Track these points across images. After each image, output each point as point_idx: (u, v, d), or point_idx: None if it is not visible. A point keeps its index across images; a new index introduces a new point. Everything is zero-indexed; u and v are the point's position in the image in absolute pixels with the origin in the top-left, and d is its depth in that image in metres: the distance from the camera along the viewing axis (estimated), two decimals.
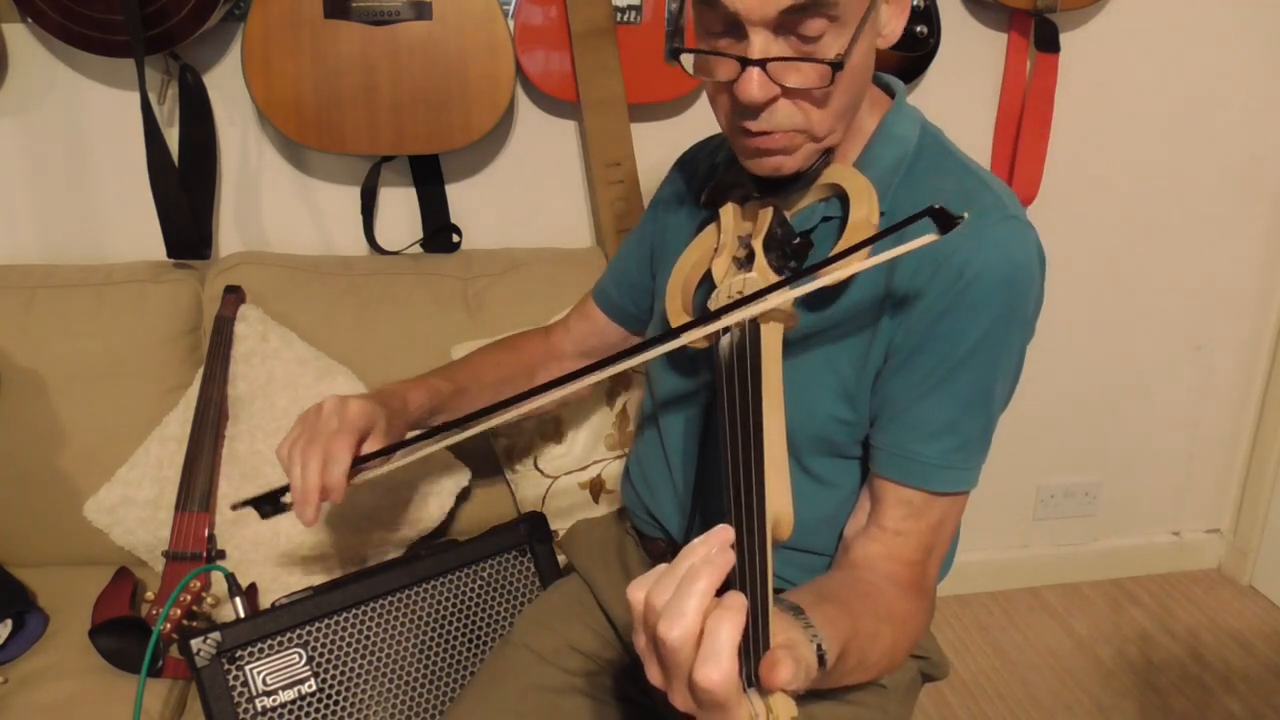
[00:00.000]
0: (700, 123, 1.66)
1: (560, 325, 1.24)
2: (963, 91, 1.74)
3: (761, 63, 0.76)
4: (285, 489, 0.97)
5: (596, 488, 1.41)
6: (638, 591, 0.59)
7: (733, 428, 0.71)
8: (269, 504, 1.00)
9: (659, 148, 1.62)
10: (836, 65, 0.77)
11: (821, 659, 0.64)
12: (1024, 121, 1.72)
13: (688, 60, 0.82)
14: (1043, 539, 2.16)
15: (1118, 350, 2.02)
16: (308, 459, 0.90)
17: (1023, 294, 0.83)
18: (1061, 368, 2.00)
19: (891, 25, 0.83)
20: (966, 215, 0.73)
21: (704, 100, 1.65)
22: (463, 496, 1.42)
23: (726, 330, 0.78)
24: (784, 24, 0.75)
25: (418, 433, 0.99)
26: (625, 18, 1.49)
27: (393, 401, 1.00)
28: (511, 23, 1.49)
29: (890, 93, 0.93)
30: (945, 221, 0.73)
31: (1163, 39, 1.78)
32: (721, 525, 0.60)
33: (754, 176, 0.87)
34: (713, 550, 0.58)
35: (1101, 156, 1.85)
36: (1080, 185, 1.86)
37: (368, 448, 0.94)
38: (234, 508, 1.01)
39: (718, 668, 0.54)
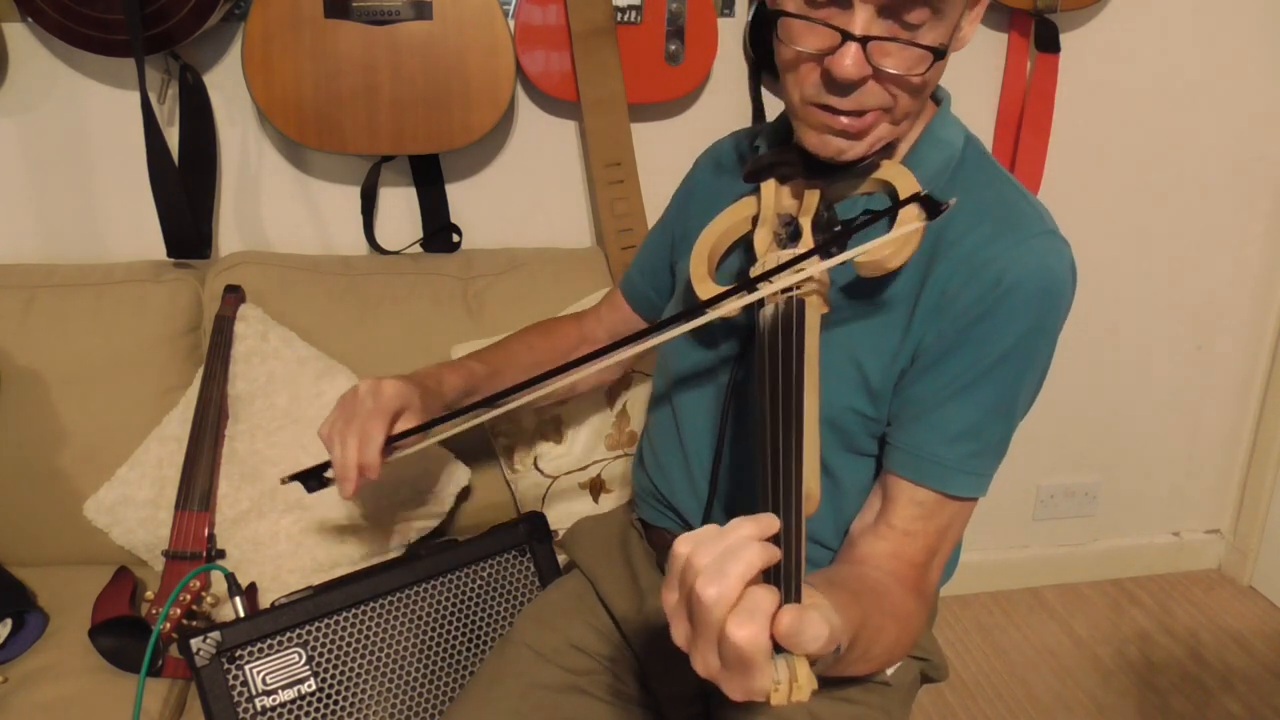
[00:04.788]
0: (700, 123, 1.66)
1: (593, 313, 1.26)
2: (963, 91, 1.73)
3: (865, 39, 0.76)
4: (326, 466, 1.02)
5: (596, 488, 1.41)
6: (684, 545, 0.59)
7: (773, 401, 0.71)
8: (314, 479, 1.04)
9: (659, 148, 1.62)
10: (939, 53, 0.78)
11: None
12: (1024, 122, 1.72)
13: (781, 25, 0.81)
14: (1043, 539, 2.16)
15: (1118, 350, 2.02)
16: (345, 438, 0.95)
17: (1055, 307, 0.84)
18: (1061, 368, 1.98)
19: (965, 31, 0.83)
20: (954, 200, 0.76)
21: (704, 100, 1.65)
22: (463, 496, 1.42)
23: (763, 304, 0.79)
24: (891, 7, 0.76)
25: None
26: (625, 18, 1.49)
27: (427, 381, 1.04)
28: (511, 23, 1.49)
29: (936, 100, 0.94)
30: (931, 207, 0.76)
31: (1163, 39, 1.78)
32: (769, 514, 0.60)
33: (805, 157, 0.87)
34: (763, 533, 0.58)
35: (1101, 157, 1.85)
36: (1080, 186, 1.86)
37: (403, 426, 0.98)
38: (283, 481, 1.05)
39: (752, 623, 0.54)
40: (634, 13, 1.50)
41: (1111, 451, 2.11)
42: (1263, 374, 2.11)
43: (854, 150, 0.83)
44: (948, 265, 0.84)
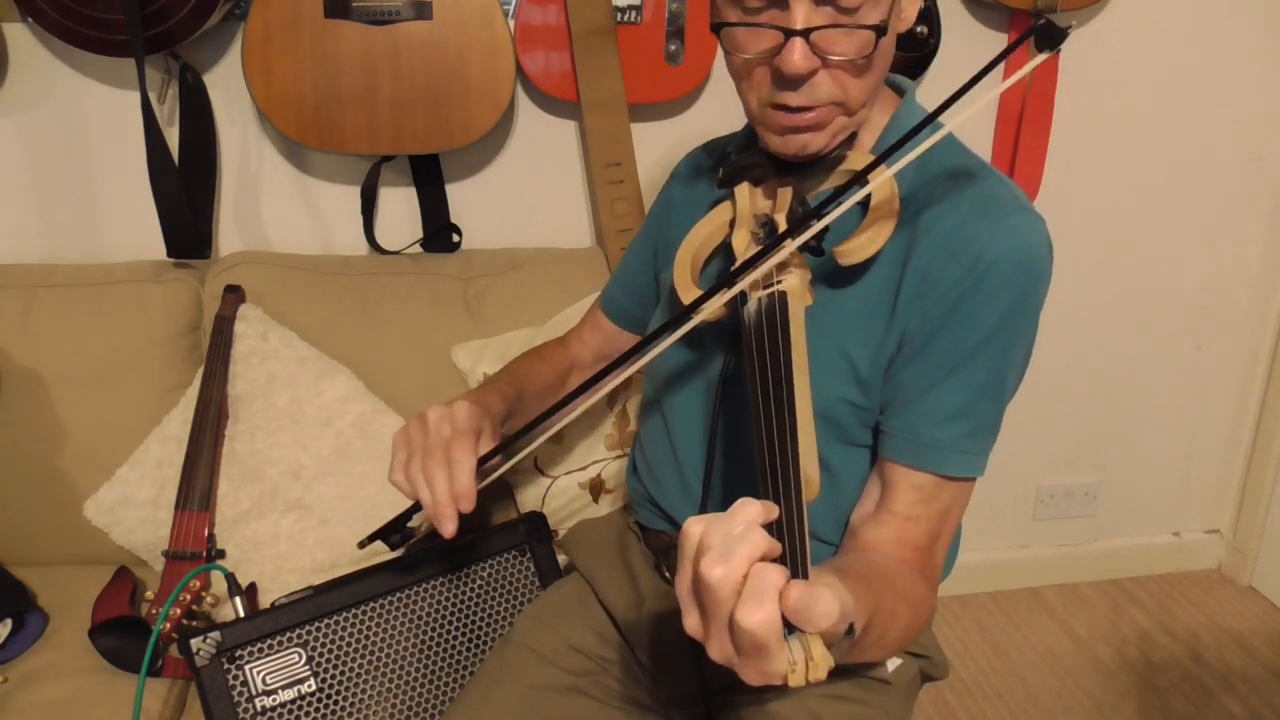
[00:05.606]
0: (700, 123, 1.66)
1: (575, 336, 1.25)
2: None
3: (806, 32, 0.78)
4: (409, 514, 0.97)
5: (596, 488, 1.41)
6: (696, 525, 0.59)
7: (764, 389, 0.71)
8: (396, 532, 0.99)
9: (659, 148, 1.62)
10: (880, 30, 0.79)
11: (850, 629, 0.64)
12: (1024, 121, 1.72)
13: (725, 36, 0.83)
14: (1043, 539, 2.16)
15: (1118, 350, 2.02)
16: (432, 473, 0.88)
17: (1036, 282, 0.85)
18: (1061, 367, 2.00)
19: (909, 10, 0.85)
20: (1074, 24, 0.74)
21: (704, 100, 1.65)
22: None
23: (745, 301, 0.80)
24: None
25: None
26: (625, 18, 1.50)
27: (482, 404, 0.99)
28: (511, 23, 1.49)
29: (899, 90, 0.95)
30: (1053, 35, 0.71)
31: (1163, 39, 1.78)
32: (770, 503, 0.60)
33: (773, 158, 0.88)
34: (767, 516, 0.58)
35: (1101, 157, 1.85)
36: (1080, 185, 1.86)
37: (484, 448, 0.93)
38: (361, 545, 1.01)
39: (760, 608, 0.54)
40: (634, 13, 1.50)
41: (1111, 451, 2.11)
42: (1263, 374, 2.11)
43: (815, 143, 0.85)
44: (926, 249, 0.85)
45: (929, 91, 1.71)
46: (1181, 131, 1.86)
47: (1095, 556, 2.20)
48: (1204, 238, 1.96)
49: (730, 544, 0.56)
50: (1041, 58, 0.74)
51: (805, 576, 0.58)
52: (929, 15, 1.59)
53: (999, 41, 1.72)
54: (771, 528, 0.60)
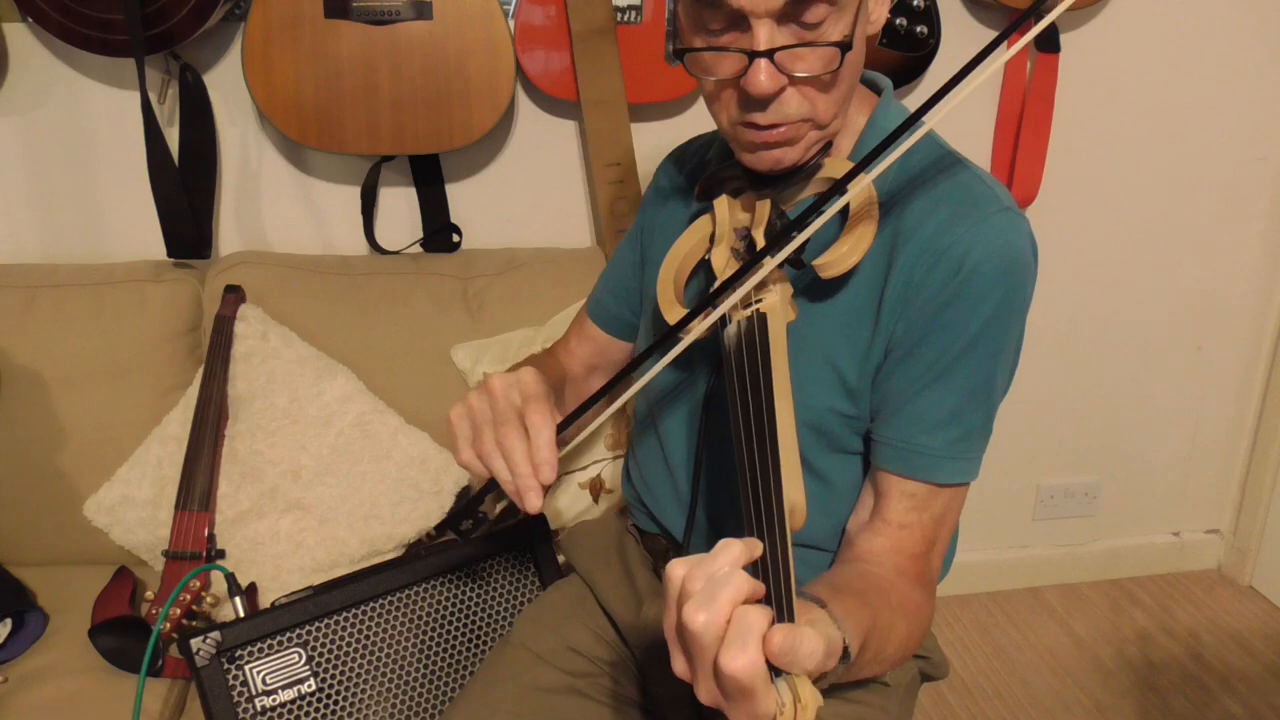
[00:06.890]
0: (700, 123, 1.66)
1: (563, 347, 1.22)
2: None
3: (769, 53, 0.77)
4: (481, 497, 0.91)
5: (596, 488, 1.41)
6: (678, 568, 0.58)
7: (745, 418, 0.71)
8: (469, 518, 0.94)
9: (659, 148, 1.61)
10: (845, 46, 0.78)
11: (845, 652, 0.64)
12: (1024, 121, 1.72)
13: (690, 61, 0.83)
14: (1043, 539, 2.16)
15: (1118, 351, 2.02)
16: (510, 444, 0.81)
17: (1021, 282, 0.84)
18: (1061, 368, 2.00)
19: (878, 12, 0.85)
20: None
21: (704, 100, 1.65)
22: (463, 496, 1.42)
23: (727, 322, 0.79)
24: (787, 13, 0.77)
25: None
26: (625, 18, 1.50)
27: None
28: (511, 23, 1.49)
29: (876, 89, 0.94)
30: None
31: (1163, 39, 1.78)
32: (754, 539, 0.60)
33: (750, 171, 0.88)
34: (750, 555, 0.58)
35: (1101, 157, 1.85)
36: (1080, 185, 1.86)
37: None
38: (432, 535, 0.96)
39: (744, 653, 0.54)
40: (634, 13, 1.50)
41: (1111, 451, 2.11)
42: (1262, 374, 2.11)
43: (788, 158, 0.84)
44: (909, 254, 0.84)
45: (929, 91, 1.71)
46: (1181, 131, 1.86)
47: (1095, 556, 2.20)
48: (1204, 237, 1.96)
49: (713, 588, 0.55)
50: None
51: (790, 617, 0.58)
52: (929, 15, 1.59)
53: None
54: (756, 566, 0.60)
